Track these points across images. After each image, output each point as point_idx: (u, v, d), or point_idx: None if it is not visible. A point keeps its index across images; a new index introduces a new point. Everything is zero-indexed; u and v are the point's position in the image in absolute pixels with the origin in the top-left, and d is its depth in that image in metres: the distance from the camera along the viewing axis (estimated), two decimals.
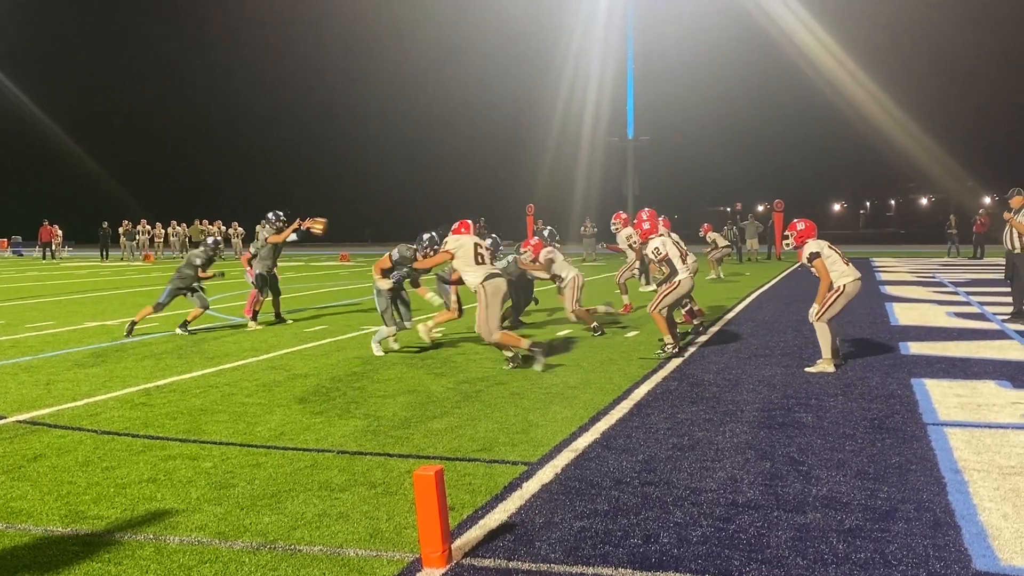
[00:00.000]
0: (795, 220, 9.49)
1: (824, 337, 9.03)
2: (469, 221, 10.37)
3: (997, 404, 7.27)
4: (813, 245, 9.16)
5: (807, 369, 8.99)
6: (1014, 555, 4.08)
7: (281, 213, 14.00)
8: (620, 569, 3.98)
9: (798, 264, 22.08)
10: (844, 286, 8.98)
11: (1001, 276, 16.00)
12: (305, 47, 70.22)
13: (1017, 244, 12.38)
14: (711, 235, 24.30)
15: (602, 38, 46.64)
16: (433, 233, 10.81)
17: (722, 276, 22.98)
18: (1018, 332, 11.47)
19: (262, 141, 73.30)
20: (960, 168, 56.62)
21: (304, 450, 6.18)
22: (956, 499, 4.90)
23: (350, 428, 6.74)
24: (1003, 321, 12.50)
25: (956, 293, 17.65)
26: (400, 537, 4.45)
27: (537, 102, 60.07)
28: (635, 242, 13.10)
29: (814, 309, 9.09)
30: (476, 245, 9.62)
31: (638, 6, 44.26)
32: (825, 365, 8.96)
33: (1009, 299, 12.69)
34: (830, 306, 8.98)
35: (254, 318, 13.43)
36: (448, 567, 4.04)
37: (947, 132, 55.48)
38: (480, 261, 9.46)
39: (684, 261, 10.46)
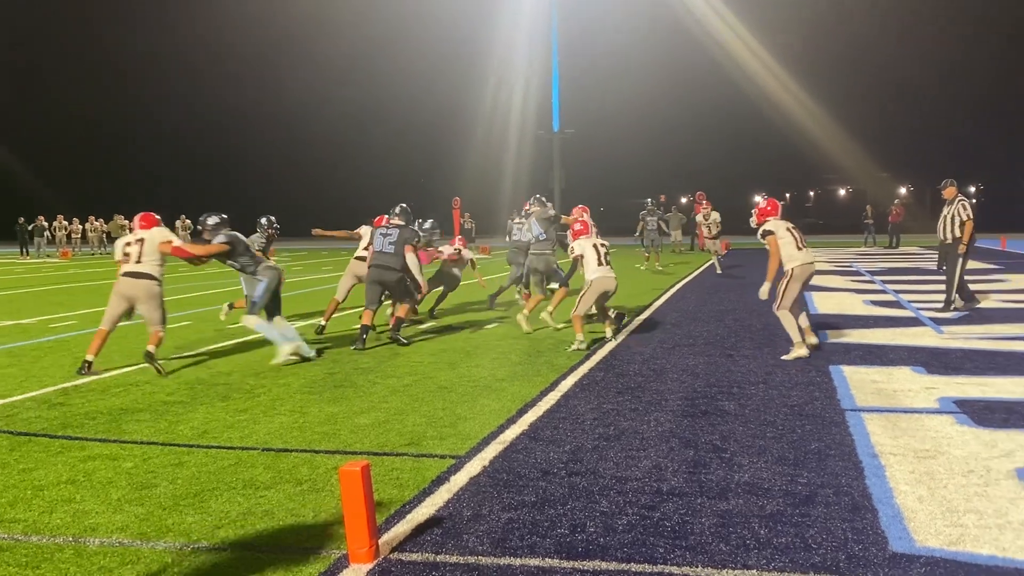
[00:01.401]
0: (759, 198, 9.75)
1: (789, 324, 9.17)
2: (386, 215, 10.57)
3: (912, 389, 7.50)
4: (770, 224, 9.37)
5: (783, 357, 9.11)
6: (928, 536, 4.22)
7: (274, 219, 13.02)
8: (547, 559, 4.02)
9: (719, 256, 22.50)
10: (792, 270, 9.16)
11: (915, 265, 16.48)
12: (231, 36, 68.80)
13: (950, 235, 12.69)
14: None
15: (528, 31, 46.76)
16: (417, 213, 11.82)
17: (658, 267, 23.34)
18: (932, 319, 11.84)
19: (185, 135, 71.75)
20: (874, 160, 58.17)
21: (228, 448, 6.09)
22: (873, 483, 5.04)
23: (275, 425, 6.66)
24: (936, 312, 12.76)
25: (873, 282, 18.14)
26: (327, 534, 4.42)
27: (464, 96, 59.96)
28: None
29: (765, 287, 9.33)
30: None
31: (562, 1, 44.46)
32: (798, 350, 9.10)
33: (927, 287, 13.13)
34: (784, 293, 9.15)
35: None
36: (375, 563, 4.03)
37: (861, 125, 56.96)
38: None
39: (601, 264, 10.49)
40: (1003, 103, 61.84)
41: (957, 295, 12.65)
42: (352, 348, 10.38)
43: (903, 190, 60.50)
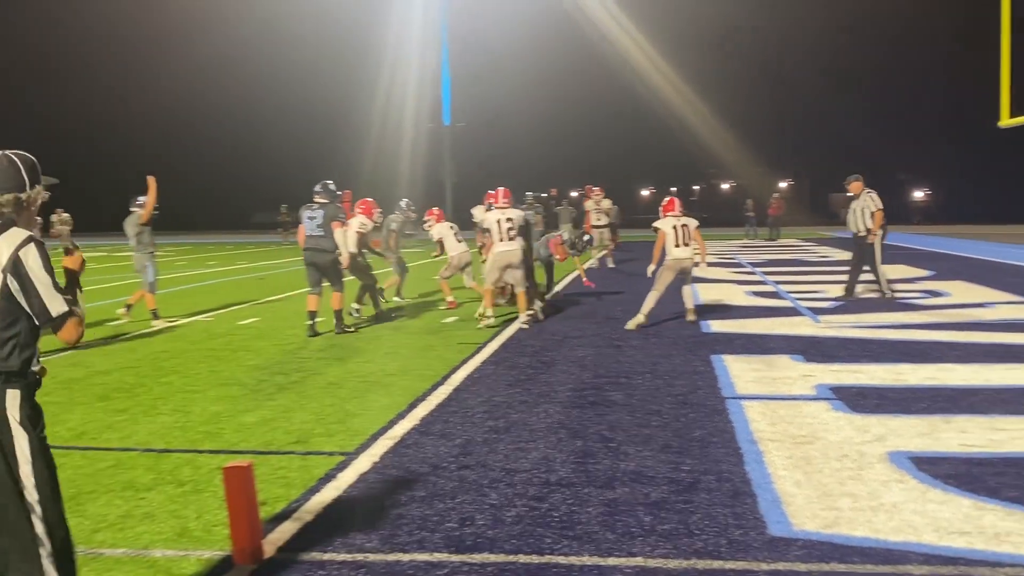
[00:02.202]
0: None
1: (649, 302, 10.93)
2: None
3: (790, 377, 7.77)
4: (660, 222, 11.07)
5: (627, 326, 10.79)
6: (805, 520, 4.37)
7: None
8: (436, 554, 4.01)
9: (606, 251, 22.82)
10: (668, 262, 10.90)
11: (794, 257, 17.03)
12: (123, 31, 66.16)
13: (862, 227, 13.14)
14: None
15: (419, 24, 46.44)
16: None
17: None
18: (810, 309, 12.28)
19: (59, 137, 68.69)
20: (755, 155, 59.97)
21: (106, 449, 5.88)
22: (753, 468, 5.20)
23: (156, 425, 6.45)
24: (836, 299, 13.28)
25: (754, 273, 18.70)
26: (210, 535, 4.32)
27: (356, 89, 59.17)
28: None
29: (650, 267, 11.10)
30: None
31: None
32: (636, 319, 10.89)
33: (805, 278, 13.60)
34: (659, 278, 10.92)
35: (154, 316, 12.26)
36: (260, 563, 3.95)
37: (743, 121, 58.60)
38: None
39: (502, 239, 11.14)
40: (881, 100, 64.59)
41: (849, 286, 13.21)
42: (308, 336, 10.70)
43: (783, 184, 62.50)
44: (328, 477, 5.19)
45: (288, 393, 7.56)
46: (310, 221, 10.74)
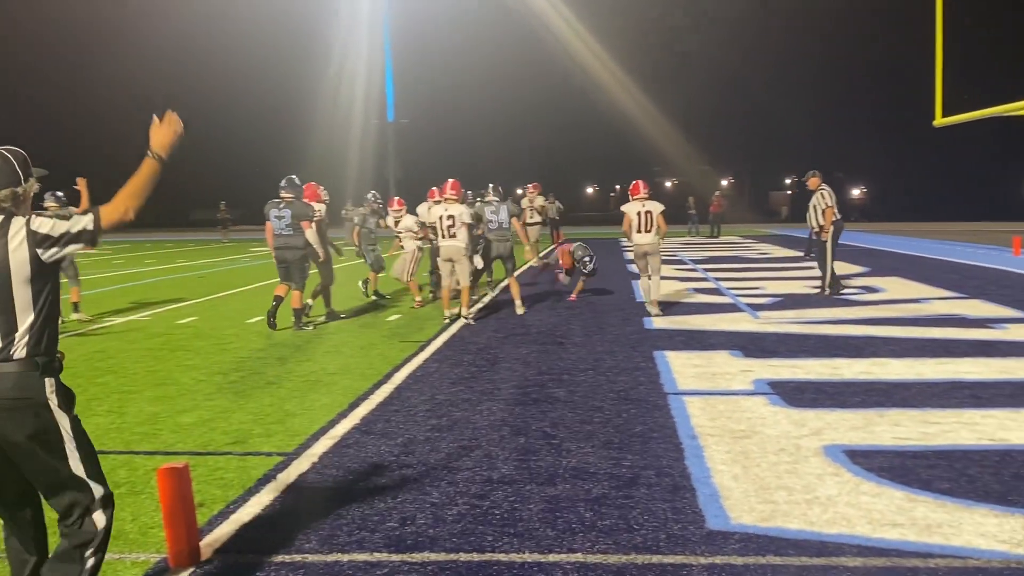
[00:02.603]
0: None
1: (642, 285, 11.98)
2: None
3: (730, 373, 7.87)
4: (626, 206, 11.65)
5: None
6: (743, 513, 4.43)
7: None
8: (376, 554, 3.99)
9: (555, 246, 22.88)
10: (632, 247, 11.70)
11: (735, 253, 17.21)
12: (55, 20, 64.55)
13: (815, 223, 13.34)
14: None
15: (364, 21, 46.08)
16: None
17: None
18: (749, 305, 12.44)
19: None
20: (697, 153, 60.63)
21: None
22: (692, 463, 5.25)
23: (91, 427, 6.25)
24: (816, 295, 13.49)
25: (695, 270, 18.89)
26: (146, 538, 4.25)
27: (301, 85, 58.54)
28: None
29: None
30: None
31: None
32: (651, 308, 11.66)
33: (745, 275, 13.75)
34: (638, 266, 11.79)
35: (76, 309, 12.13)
36: (197, 565, 3.89)
37: (686, 120, 59.23)
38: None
39: (443, 236, 11.40)
40: (819, 99, 65.66)
41: (830, 280, 13.39)
42: (267, 322, 10.99)
43: (724, 182, 63.25)
44: (267, 478, 5.13)
45: (227, 393, 7.46)
46: (278, 220, 10.86)
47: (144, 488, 4.98)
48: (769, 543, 4.05)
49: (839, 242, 13.48)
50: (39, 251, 3.07)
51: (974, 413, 6.28)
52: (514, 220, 12.81)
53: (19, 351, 3.07)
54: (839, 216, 13.29)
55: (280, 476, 5.15)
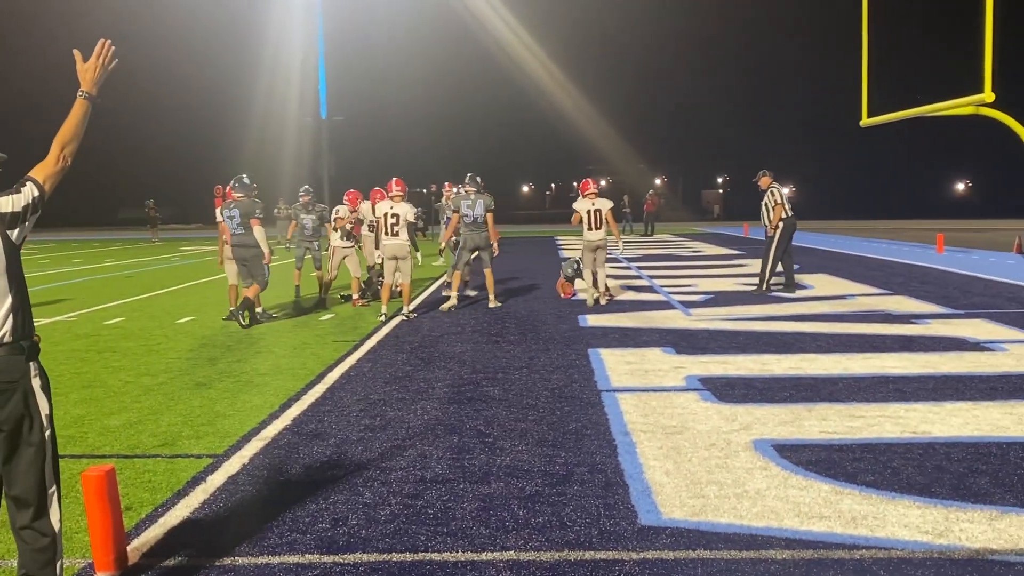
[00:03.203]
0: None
1: (587, 279, 12.49)
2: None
3: (662, 369, 7.95)
4: (576, 203, 12.44)
5: (587, 302, 12.31)
6: (674, 509, 4.48)
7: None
8: (307, 556, 3.94)
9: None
10: (583, 243, 12.34)
11: (668, 252, 17.38)
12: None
13: (765, 221, 13.53)
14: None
15: (298, 17, 45.52)
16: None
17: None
18: (682, 302, 12.60)
19: None
20: (632, 152, 61.28)
21: None
22: (625, 459, 5.30)
23: None
24: (750, 292, 13.67)
25: (629, 268, 19.06)
26: (71, 542, 4.14)
27: (233, 82, 57.65)
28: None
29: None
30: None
31: None
32: (591, 292, 12.35)
33: (678, 272, 13.88)
34: (584, 262, 12.45)
35: None
36: (124, 570, 3.81)
37: (621, 119, 59.83)
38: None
39: (387, 234, 11.64)
40: (748, 99, 66.80)
41: (786, 278, 13.57)
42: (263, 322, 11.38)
43: (658, 181, 63.97)
44: (196, 480, 5.04)
45: (155, 395, 7.31)
46: (230, 220, 11.09)
47: (69, 492, 4.85)
48: (700, 537, 4.10)
49: (792, 243, 13.64)
50: (9, 232, 3.07)
51: (898, 407, 6.45)
52: (488, 215, 12.56)
53: (7, 336, 3.07)
54: (791, 214, 13.46)
55: (210, 478, 5.06)
